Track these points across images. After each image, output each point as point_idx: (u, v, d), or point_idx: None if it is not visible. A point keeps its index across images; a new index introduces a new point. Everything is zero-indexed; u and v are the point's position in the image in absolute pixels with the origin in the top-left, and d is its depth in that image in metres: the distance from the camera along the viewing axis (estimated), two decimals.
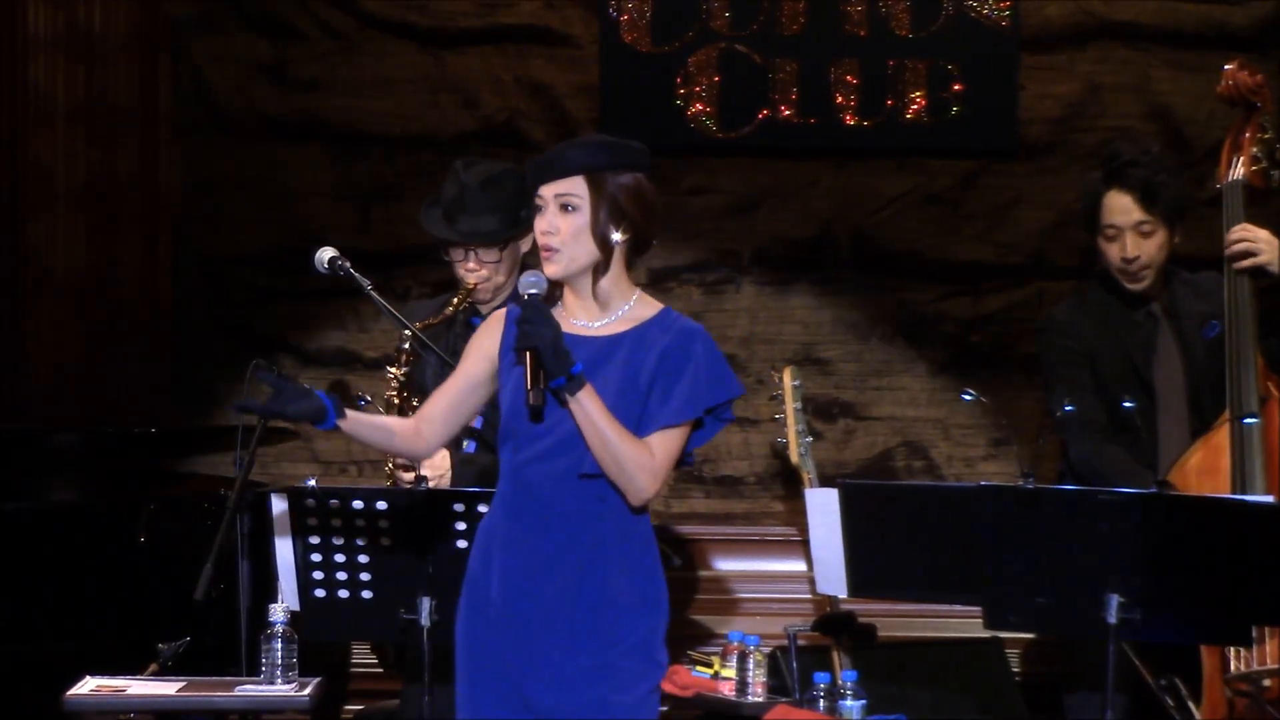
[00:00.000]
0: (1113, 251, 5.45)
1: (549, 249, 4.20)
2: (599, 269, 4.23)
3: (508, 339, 4.26)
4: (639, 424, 4.19)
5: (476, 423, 5.19)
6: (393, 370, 5.23)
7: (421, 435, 4.32)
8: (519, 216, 5.29)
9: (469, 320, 5.29)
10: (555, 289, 4.27)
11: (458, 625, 4.30)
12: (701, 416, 4.24)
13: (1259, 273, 5.27)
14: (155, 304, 7.37)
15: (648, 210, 4.26)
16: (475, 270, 5.29)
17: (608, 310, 4.26)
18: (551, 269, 4.21)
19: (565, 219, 4.20)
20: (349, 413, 4.25)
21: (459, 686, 4.28)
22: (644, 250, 4.31)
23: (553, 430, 4.18)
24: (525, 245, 5.36)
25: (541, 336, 4.08)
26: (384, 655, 5.78)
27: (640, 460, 4.15)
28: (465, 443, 5.19)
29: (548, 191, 4.22)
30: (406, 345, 5.26)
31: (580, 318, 4.26)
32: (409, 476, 5.14)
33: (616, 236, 4.21)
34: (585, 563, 4.19)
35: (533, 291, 4.15)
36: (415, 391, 5.25)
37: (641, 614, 4.23)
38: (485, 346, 4.32)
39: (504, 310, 4.34)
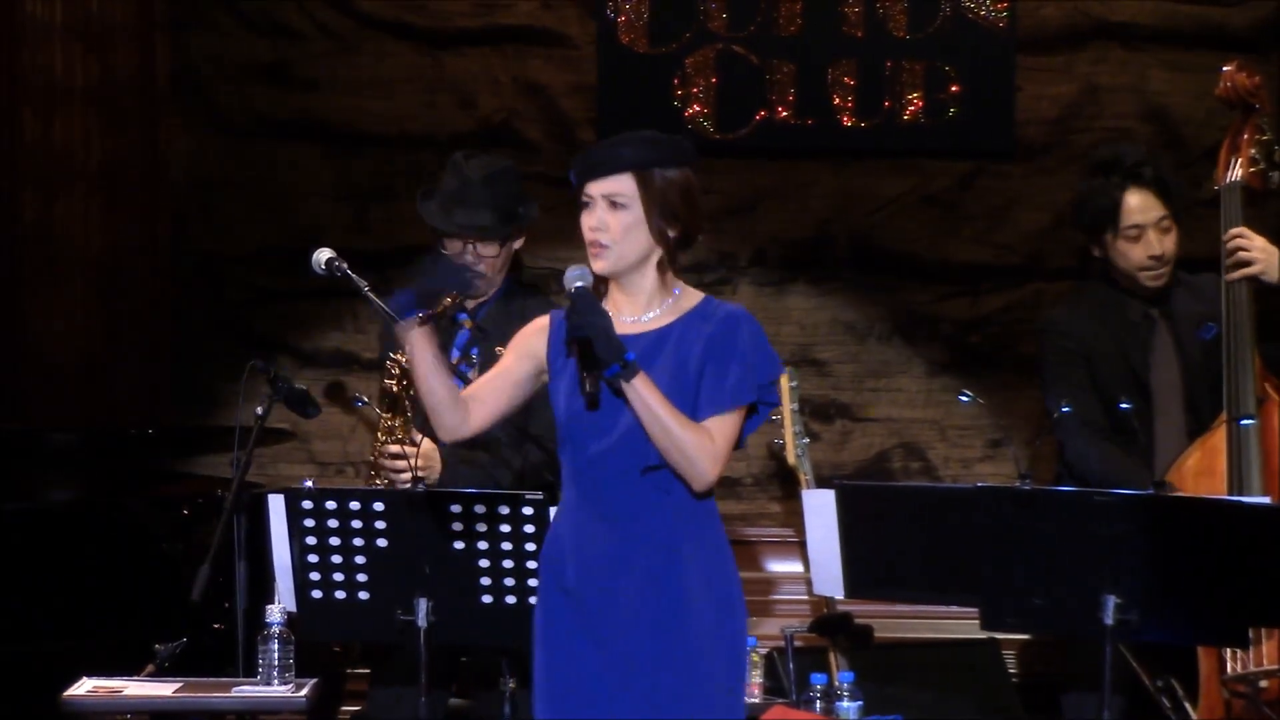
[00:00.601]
0: (1137, 252, 5.44)
1: (598, 245, 4.20)
2: (645, 265, 4.24)
3: (556, 344, 4.28)
4: (694, 412, 4.19)
5: None
6: (395, 356, 5.22)
7: (466, 408, 4.31)
8: (518, 213, 5.30)
9: (455, 316, 5.27)
10: (600, 285, 4.27)
11: (538, 628, 4.29)
12: (755, 400, 4.24)
13: (1255, 279, 5.27)
14: (154, 304, 7.37)
15: (694, 206, 4.26)
16: (473, 264, 5.29)
17: (653, 305, 4.26)
18: (600, 265, 4.21)
19: (614, 216, 4.20)
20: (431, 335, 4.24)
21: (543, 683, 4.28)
22: (689, 245, 4.31)
23: (611, 429, 4.18)
24: (518, 243, 5.36)
25: (593, 326, 4.09)
26: (349, 650, 5.78)
27: (701, 444, 4.15)
28: None
29: (596, 189, 4.21)
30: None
31: (626, 314, 4.26)
32: (399, 465, 5.14)
33: (668, 233, 4.22)
34: (658, 564, 4.18)
35: (579, 284, 4.15)
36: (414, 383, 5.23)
37: (723, 618, 4.22)
38: (532, 346, 4.33)
39: (548, 315, 4.35)
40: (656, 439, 4.14)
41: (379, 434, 5.23)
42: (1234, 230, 5.28)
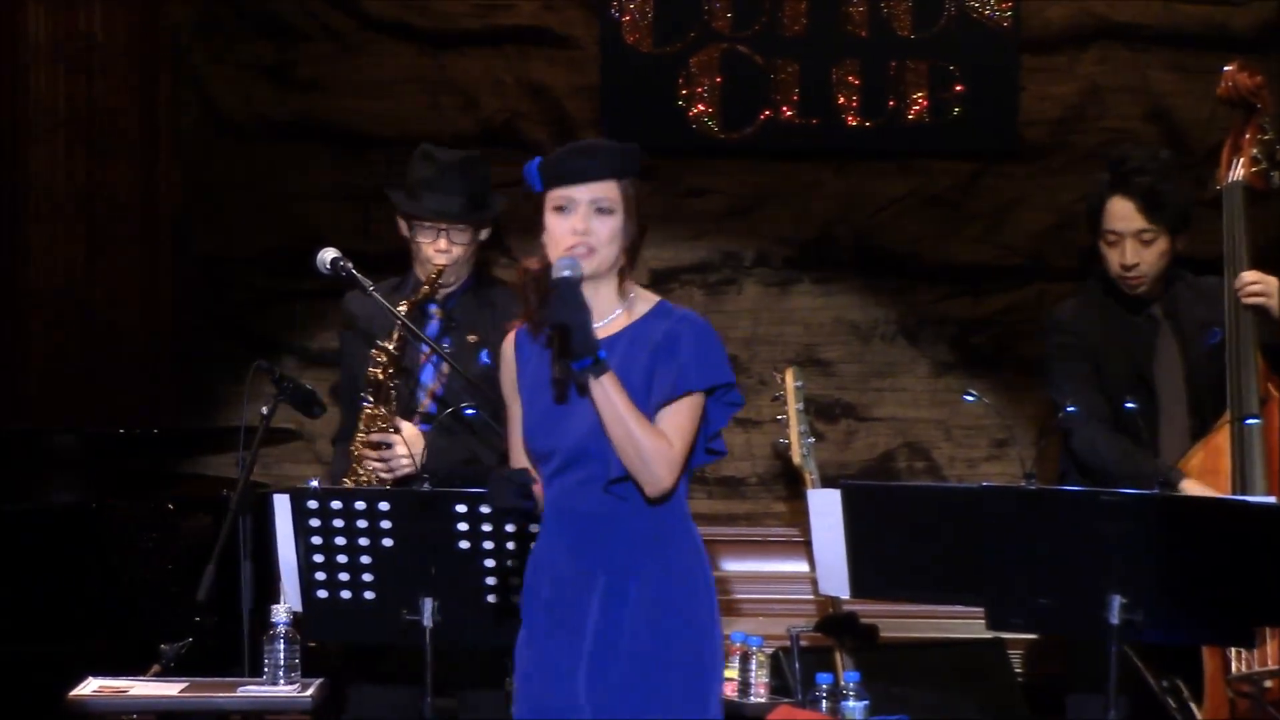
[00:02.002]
0: (1113, 257, 5.45)
1: (588, 249, 4.21)
2: (613, 272, 4.25)
3: (522, 359, 4.30)
4: (642, 409, 4.20)
5: (431, 408, 5.23)
6: (382, 343, 5.22)
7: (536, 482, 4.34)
8: (489, 202, 5.32)
9: (425, 305, 5.27)
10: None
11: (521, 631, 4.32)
12: (703, 391, 4.24)
13: (1266, 319, 5.27)
14: (156, 305, 7.37)
15: (644, 216, 4.32)
16: (446, 251, 5.29)
17: (610, 310, 4.27)
18: (588, 267, 4.21)
19: (601, 221, 4.21)
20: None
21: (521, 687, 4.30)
22: (638, 255, 4.34)
23: (573, 443, 4.20)
24: (485, 233, 5.37)
25: (574, 317, 4.10)
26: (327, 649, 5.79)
27: (659, 448, 4.15)
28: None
29: (581, 194, 4.21)
30: (398, 325, 5.25)
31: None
32: (383, 455, 5.14)
33: (636, 241, 4.26)
34: (626, 570, 4.19)
35: (567, 274, 4.16)
36: (400, 374, 5.24)
37: (695, 630, 4.23)
38: (509, 383, 4.35)
39: (511, 339, 4.35)
40: (617, 439, 4.14)
41: (361, 425, 5.22)
42: (1248, 275, 5.27)
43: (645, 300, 4.31)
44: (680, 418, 4.20)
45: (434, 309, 5.31)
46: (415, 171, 5.39)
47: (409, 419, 5.24)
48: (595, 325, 4.21)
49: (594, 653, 4.18)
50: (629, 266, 4.28)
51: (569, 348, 4.11)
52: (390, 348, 5.20)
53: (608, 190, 4.22)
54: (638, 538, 4.19)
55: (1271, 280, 5.26)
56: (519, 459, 4.33)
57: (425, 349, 5.26)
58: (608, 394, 4.13)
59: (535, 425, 4.24)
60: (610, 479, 4.17)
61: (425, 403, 5.31)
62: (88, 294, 7.26)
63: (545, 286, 4.19)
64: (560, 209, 4.23)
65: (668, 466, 4.16)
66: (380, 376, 5.20)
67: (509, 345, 4.36)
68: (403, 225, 5.40)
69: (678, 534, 4.25)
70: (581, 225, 4.20)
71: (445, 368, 5.24)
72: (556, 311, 4.12)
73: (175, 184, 7.43)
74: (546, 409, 4.22)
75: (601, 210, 4.21)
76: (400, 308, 5.21)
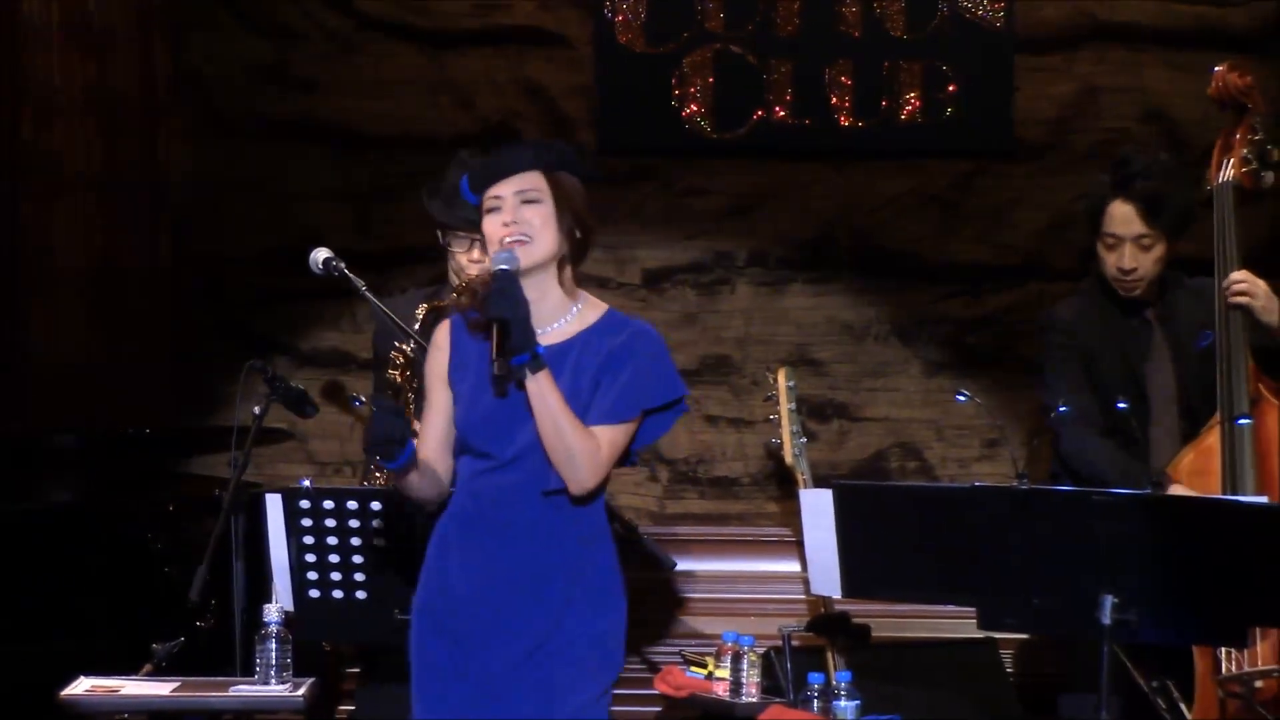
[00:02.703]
0: (1110, 260, 5.46)
1: (522, 237, 4.24)
2: (551, 269, 4.29)
3: (457, 348, 4.33)
4: (584, 420, 4.24)
5: None
6: (401, 346, 5.23)
7: (435, 471, 4.34)
8: None
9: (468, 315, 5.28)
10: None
11: (413, 630, 4.32)
12: (638, 416, 4.29)
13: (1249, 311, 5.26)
14: (154, 304, 7.38)
15: (591, 216, 4.35)
16: (478, 261, 5.30)
17: (557, 316, 4.31)
18: (524, 255, 4.24)
19: (531, 210, 4.27)
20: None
21: (414, 689, 4.31)
22: (584, 258, 4.38)
23: (511, 446, 4.23)
24: None
25: (512, 310, 4.14)
26: (342, 650, 5.81)
27: (588, 450, 4.21)
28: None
29: (505, 189, 4.27)
30: (417, 326, 5.27)
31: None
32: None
33: (575, 233, 4.30)
34: (543, 569, 4.24)
35: (504, 267, 4.19)
36: (419, 376, 5.24)
37: (598, 613, 4.28)
38: (440, 369, 4.36)
39: (446, 326, 4.36)
40: (546, 436, 4.19)
41: None
42: (1237, 275, 5.27)
43: (594, 307, 4.34)
44: (616, 432, 4.26)
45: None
46: (450, 177, 5.38)
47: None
48: (546, 330, 4.26)
49: (533, 651, 4.22)
50: (573, 264, 4.32)
51: (506, 343, 4.14)
52: (408, 350, 5.20)
53: (533, 180, 4.28)
54: (567, 541, 4.24)
55: (1259, 282, 5.27)
56: (435, 446, 4.33)
57: None
58: (542, 390, 4.17)
59: (476, 424, 4.25)
60: (547, 489, 4.22)
61: None
62: (88, 293, 7.26)
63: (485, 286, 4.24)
64: (491, 210, 4.27)
65: (593, 468, 4.22)
66: (399, 379, 5.22)
67: (443, 332, 4.37)
68: (438, 231, 5.41)
69: (601, 536, 4.30)
70: (509, 216, 4.26)
71: None
72: (494, 305, 4.16)
73: (176, 181, 7.43)
74: (490, 410, 4.24)
75: (529, 201, 4.27)
76: (420, 309, 5.23)
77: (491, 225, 4.28)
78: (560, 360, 4.25)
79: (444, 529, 4.32)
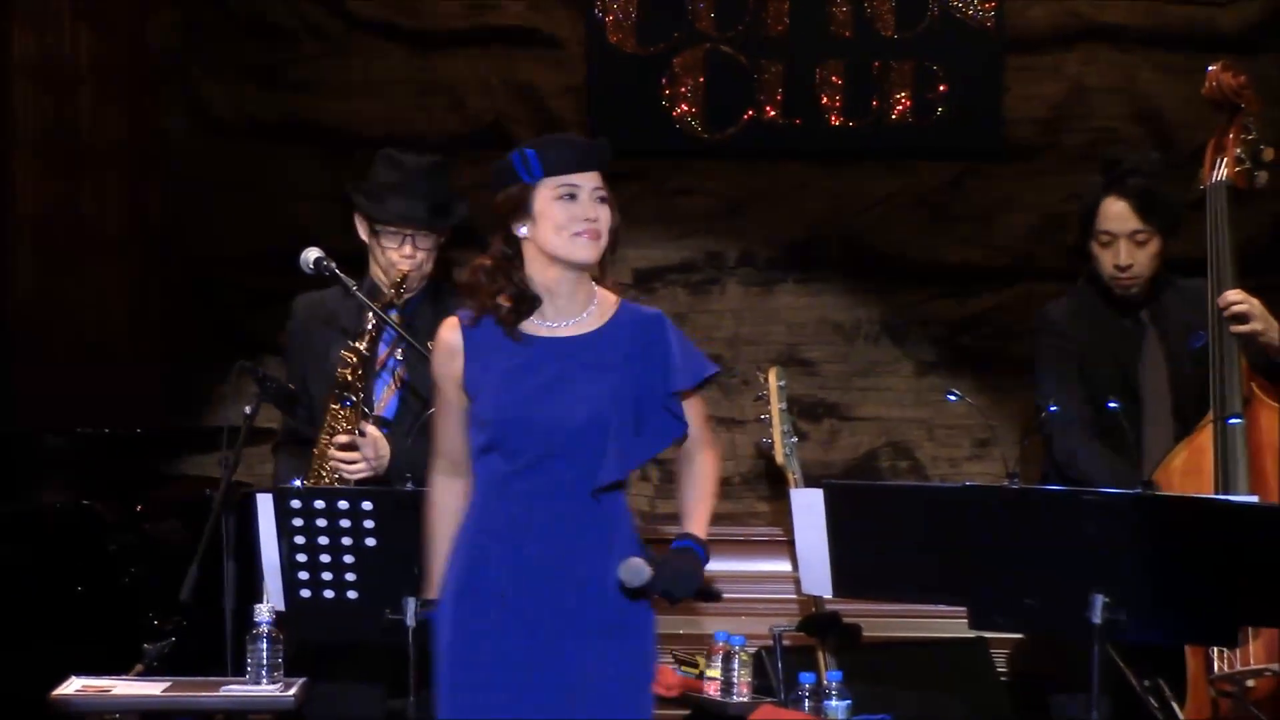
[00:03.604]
0: (1106, 258, 5.46)
1: (597, 232, 4.24)
2: (598, 266, 4.31)
3: (471, 347, 4.29)
4: (638, 406, 4.27)
5: (387, 412, 5.21)
6: (356, 344, 5.20)
7: (460, 477, 4.34)
8: (454, 208, 5.32)
9: (386, 310, 5.24)
10: (536, 299, 4.28)
11: (447, 629, 4.29)
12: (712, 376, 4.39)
13: (1251, 340, 5.26)
14: (145, 306, 7.37)
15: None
16: (410, 257, 5.28)
17: (586, 307, 4.30)
18: (595, 252, 4.25)
19: (603, 209, 4.27)
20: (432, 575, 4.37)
21: (443, 688, 4.28)
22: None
23: (556, 439, 4.21)
24: (443, 237, 5.35)
25: (691, 588, 4.37)
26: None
27: (716, 466, 4.52)
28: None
29: (586, 181, 4.26)
30: (371, 325, 5.23)
31: (553, 319, 4.29)
32: (348, 456, 5.12)
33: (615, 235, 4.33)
34: (593, 569, 4.24)
35: (638, 583, 4.24)
36: (369, 373, 5.22)
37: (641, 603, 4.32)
38: (453, 370, 4.32)
39: (454, 326, 4.33)
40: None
41: (327, 425, 5.20)
42: (1232, 295, 5.26)
43: (609, 298, 4.35)
44: (701, 402, 4.38)
45: (393, 313, 5.27)
46: (379, 175, 5.37)
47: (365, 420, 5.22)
48: (574, 321, 4.25)
49: (585, 645, 4.23)
50: (603, 264, 4.34)
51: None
52: (361, 348, 5.19)
53: (602, 180, 4.29)
54: (603, 530, 4.25)
55: (1253, 300, 5.27)
56: (461, 446, 4.32)
57: (383, 352, 5.25)
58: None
59: (509, 423, 4.22)
60: (597, 487, 4.22)
61: (381, 405, 5.29)
62: (76, 296, 7.25)
63: (519, 272, 4.26)
64: (565, 196, 4.24)
65: (717, 457, 4.52)
66: (349, 377, 5.19)
67: (455, 335, 4.33)
68: (362, 228, 5.39)
69: (626, 516, 4.34)
70: (592, 212, 4.25)
71: (402, 371, 5.23)
72: (672, 594, 4.29)
73: (163, 190, 7.43)
74: (523, 410, 4.22)
75: (602, 199, 4.27)
76: (392, 313, 5.21)
77: (565, 212, 4.23)
78: (593, 348, 4.26)
79: (475, 535, 4.27)
